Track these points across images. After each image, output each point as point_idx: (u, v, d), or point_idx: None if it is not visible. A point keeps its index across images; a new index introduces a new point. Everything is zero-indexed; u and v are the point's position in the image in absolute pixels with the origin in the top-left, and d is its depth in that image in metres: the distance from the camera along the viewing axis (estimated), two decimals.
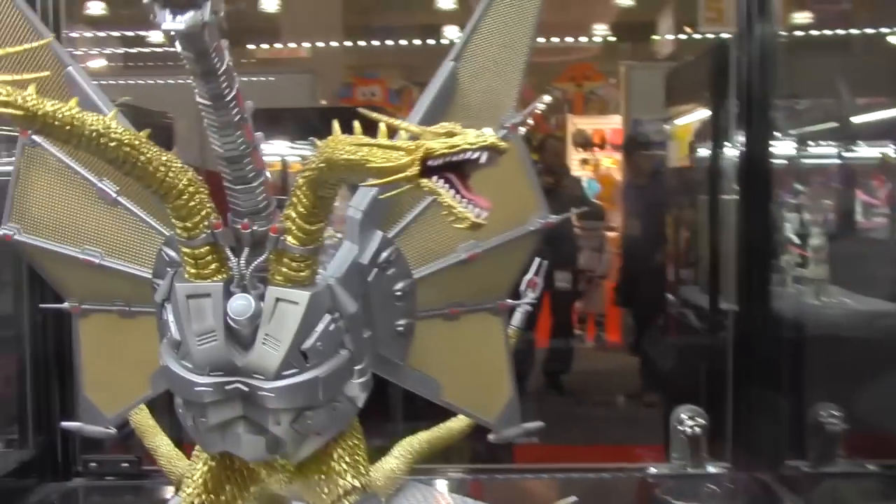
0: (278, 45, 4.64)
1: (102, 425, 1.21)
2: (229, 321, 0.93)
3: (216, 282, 0.95)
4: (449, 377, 1.15)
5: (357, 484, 1.04)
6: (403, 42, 4.70)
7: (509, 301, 1.18)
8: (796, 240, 3.47)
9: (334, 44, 4.75)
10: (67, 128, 0.83)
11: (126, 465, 1.72)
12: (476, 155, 0.72)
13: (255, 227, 0.93)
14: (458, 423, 1.45)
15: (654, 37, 4.35)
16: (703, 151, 3.54)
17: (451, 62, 1.07)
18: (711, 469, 1.67)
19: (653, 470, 1.70)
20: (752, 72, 1.85)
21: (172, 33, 0.75)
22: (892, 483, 1.69)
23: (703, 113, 3.29)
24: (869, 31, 3.47)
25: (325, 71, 4.80)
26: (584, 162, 5.48)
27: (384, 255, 1.05)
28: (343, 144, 0.83)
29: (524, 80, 1.12)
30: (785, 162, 3.66)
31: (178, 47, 0.80)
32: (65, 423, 1.26)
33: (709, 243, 3.17)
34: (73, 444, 1.73)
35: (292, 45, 4.59)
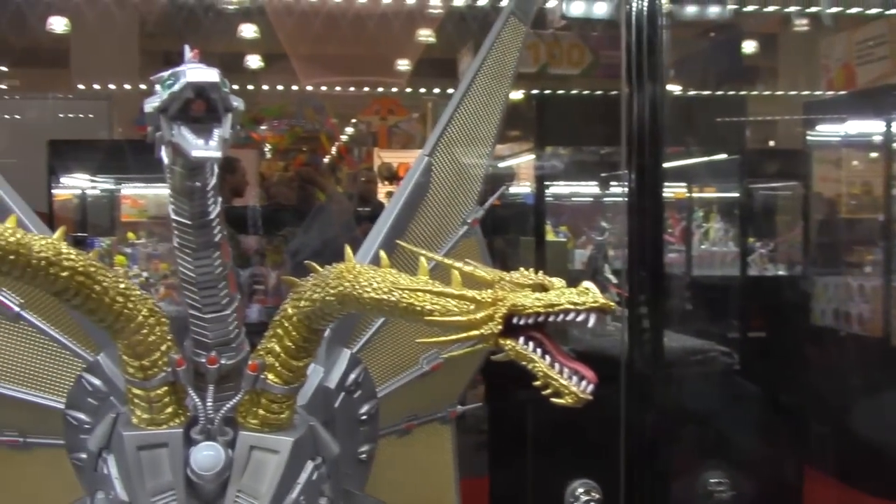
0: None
1: None
2: (192, 476, 0.79)
3: (174, 427, 0.80)
4: (398, 499, 1.06)
5: None
6: None
7: (460, 407, 1.10)
8: (614, 279, 3.62)
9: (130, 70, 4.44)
10: (10, 257, 0.66)
11: None
12: (582, 318, 0.64)
13: (223, 361, 0.79)
14: None
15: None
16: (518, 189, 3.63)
17: (426, 157, 0.99)
18: None
19: None
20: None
21: (205, 160, 0.62)
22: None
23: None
24: None
25: (120, 98, 4.48)
26: (390, 195, 5.47)
27: (352, 376, 0.94)
28: (368, 278, 0.71)
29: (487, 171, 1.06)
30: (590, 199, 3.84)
31: (178, 164, 0.66)
32: None
33: None
34: None
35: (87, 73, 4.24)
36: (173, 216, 0.72)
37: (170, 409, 0.80)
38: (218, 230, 0.74)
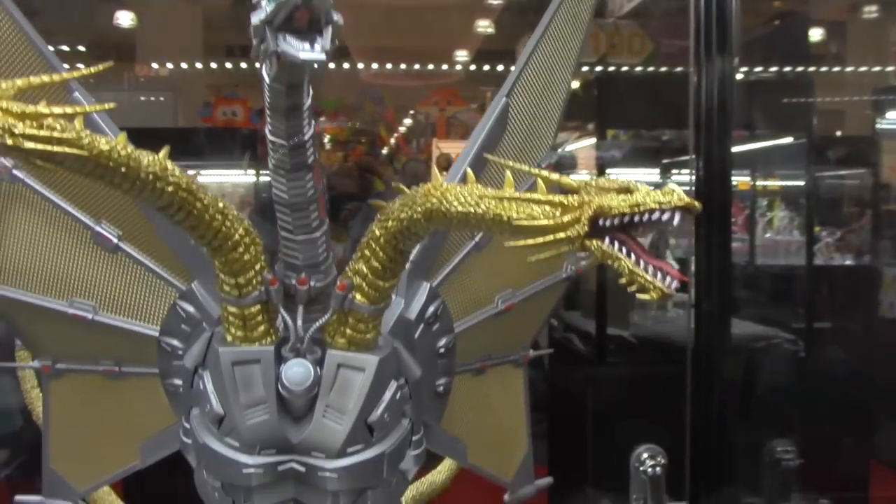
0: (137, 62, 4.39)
1: (70, 500, 1.04)
2: (282, 391, 0.82)
3: (266, 346, 0.83)
4: (473, 436, 1.08)
5: None
6: None
7: (532, 352, 1.12)
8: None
9: (196, 64, 4.57)
10: (122, 170, 0.70)
11: None
12: (668, 216, 0.66)
13: (312, 283, 0.82)
14: (440, 475, 1.37)
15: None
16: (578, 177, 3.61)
17: (504, 98, 1.01)
18: None
19: None
20: None
21: (314, 64, 0.64)
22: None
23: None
24: None
25: (184, 89, 4.60)
26: None
27: (431, 309, 0.96)
28: (455, 194, 0.74)
29: (561, 119, 1.07)
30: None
31: (279, 78, 0.69)
32: (20, 498, 1.08)
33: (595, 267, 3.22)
34: None
35: (154, 64, 4.37)
36: (270, 136, 0.75)
37: (262, 328, 0.83)
38: (311, 152, 0.77)
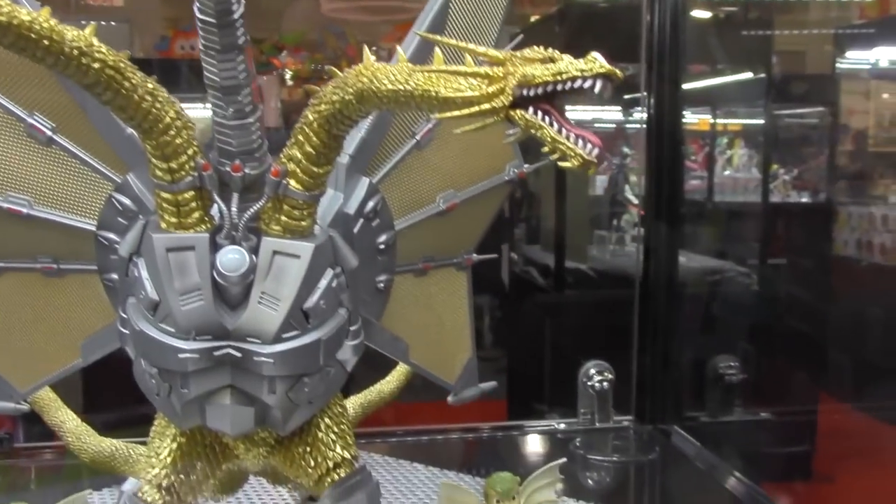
0: None
1: (13, 401, 1.04)
2: (218, 278, 0.82)
3: (200, 232, 0.83)
4: (415, 337, 1.09)
5: (347, 455, 0.95)
6: None
7: (475, 256, 1.13)
8: (634, 199, 3.63)
9: None
10: (45, 42, 0.69)
11: None
12: (589, 83, 0.66)
13: (247, 170, 0.82)
14: (388, 385, 1.39)
15: None
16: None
17: None
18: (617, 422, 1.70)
19: (562, 426, 1.72)
20: None
21: None
22: (783, 429, 1.80)
23: None
24: None
25: (140, 21, 4.49)
26: None
27: (370, 204, 0.97)
28: (385, 72, 0.74)
29: (503, 20, 1.06)
30: (612, 125, 3.82)
31: None
32: None
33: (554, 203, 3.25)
34: None
35: None
36: (198, 15, 0.75)
37: (196, 215, 0.83)
38: (242, 32, 0.76)
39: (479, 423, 1.76)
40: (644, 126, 2.09)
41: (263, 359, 0.82)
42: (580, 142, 0.67)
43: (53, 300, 1.01)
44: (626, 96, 3.34)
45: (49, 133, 0.93)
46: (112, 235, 0.93)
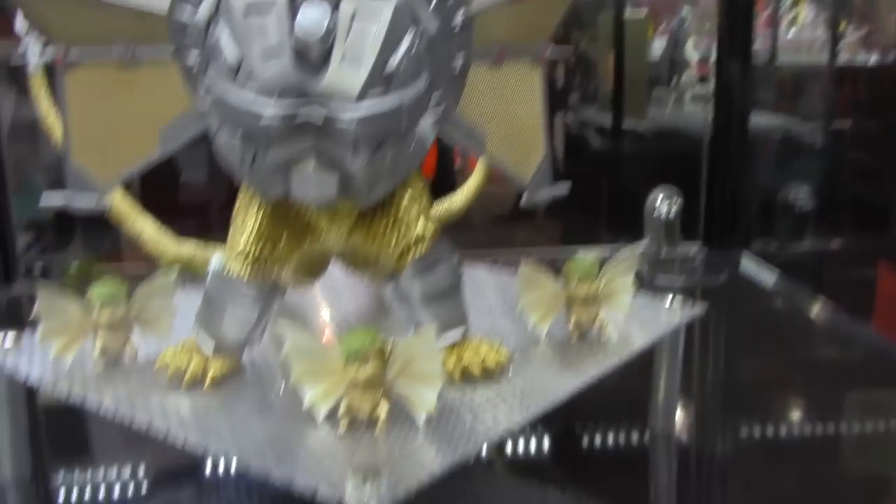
0: None
1: (94, 197, 1.05)
2: (298, 34, 0.80)
3: None
4: (491, 130, 1.08)
5: (429, 230, 0.95)
6: None
7: (551, 48, 1.10)
8: (696, 54, 3.53)
9: None
10: None
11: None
12: None
13: None
14: (461, 196, 1.39)
15: None
16: None
17: None
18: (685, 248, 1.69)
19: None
20: None
21: None
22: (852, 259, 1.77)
23: None
24: None
25: None
26: None
27: None
28: None
29: None
30: None
31: None
32: (47, 196, 1.09)
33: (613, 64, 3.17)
34: (12, 245, 1.55)
35: None
36: None
37: None
38: None
39: (541, 247, 1.76)
40: None
41: (347, 121, 0.82)
42: None
43: (129, 92, 1.00)
44: None
45: None
46: (188, 7, 0.91)
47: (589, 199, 2.95)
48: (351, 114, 0.82)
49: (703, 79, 3.43)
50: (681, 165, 2.08)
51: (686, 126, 3.19)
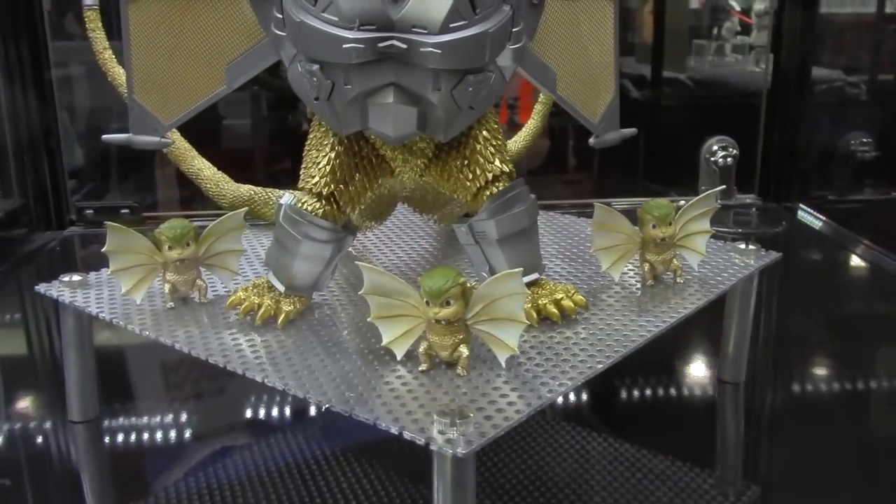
0: None
1: (158, 134, 1.02)
2: None
3: None
4: (562, 67, 1.04)
5: (505, 169, 0.92)
6: None
7: None
8: (736, 5, 3.44)
9: None
10: None
11: (126, 211, 1.54)
12: None
13: None
14: (529, 129, 1.36)
15: None
16: None
17: None
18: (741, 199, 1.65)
19: (681, 202, 1.67)
20: None
21: None
22: None
23: None
24: None
25: None
26: None
27: None
28: None
29: None
30: None
31: None
32: (108, 136, 1.07)
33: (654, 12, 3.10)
34: (64, 191, 1.53)
35: None
36: None
37: None
38: None
39: (594, 200, 1.72)
40: None
41: (430, 49, 0.78)
42: None
43: (195, 23, 0.97)
44: None
45: None
46: None
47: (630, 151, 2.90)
48: (434, 44, 0.78)
49: (741, 31, 3.35)
50: (727, 115, 2.03)
51: (727, 76, 3.12)
